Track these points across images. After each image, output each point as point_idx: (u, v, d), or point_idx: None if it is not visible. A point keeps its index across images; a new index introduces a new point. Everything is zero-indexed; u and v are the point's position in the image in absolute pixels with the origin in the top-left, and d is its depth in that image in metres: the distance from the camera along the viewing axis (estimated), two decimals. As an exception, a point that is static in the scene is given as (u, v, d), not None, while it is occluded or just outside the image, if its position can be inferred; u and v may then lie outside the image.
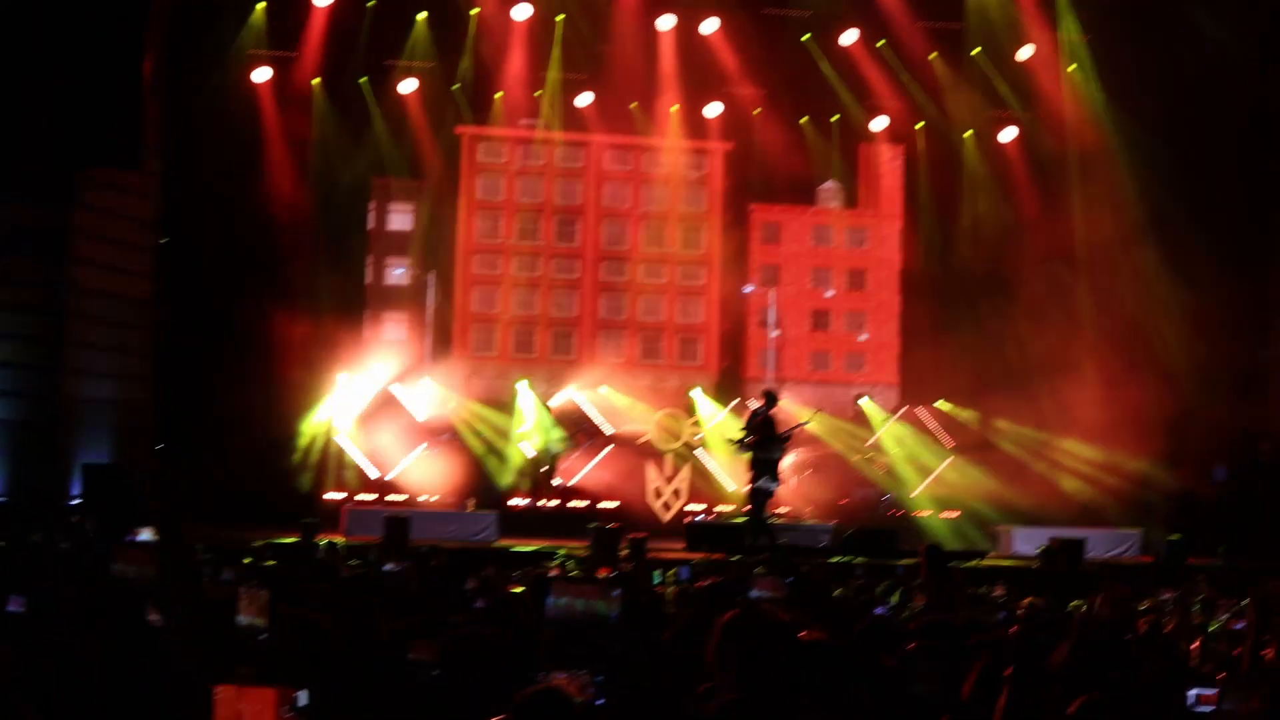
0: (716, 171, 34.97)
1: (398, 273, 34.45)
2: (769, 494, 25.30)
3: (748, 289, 35.12)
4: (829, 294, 36.00)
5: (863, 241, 35.85)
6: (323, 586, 12.35)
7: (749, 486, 25.41)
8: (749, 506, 25.41)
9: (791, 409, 28.39)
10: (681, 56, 32.00)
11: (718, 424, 30.32)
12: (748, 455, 25.24)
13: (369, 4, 30.39)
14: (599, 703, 7.04)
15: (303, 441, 29.25)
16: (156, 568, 8.81)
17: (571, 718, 6.02)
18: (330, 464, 29.43)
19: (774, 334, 34.07)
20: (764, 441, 25.34)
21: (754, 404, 26.70)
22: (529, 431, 29.94)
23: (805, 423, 26.95)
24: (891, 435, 31.70)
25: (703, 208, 35.17)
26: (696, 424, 30.72)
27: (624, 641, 7.57)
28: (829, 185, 35.57)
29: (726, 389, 32.23)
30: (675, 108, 32.97)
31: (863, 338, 35.81)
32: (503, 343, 34.24)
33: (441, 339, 33.27)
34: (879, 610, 13.32)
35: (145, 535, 16.64)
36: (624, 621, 7.97)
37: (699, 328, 35.13)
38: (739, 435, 25.65)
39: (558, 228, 34.92)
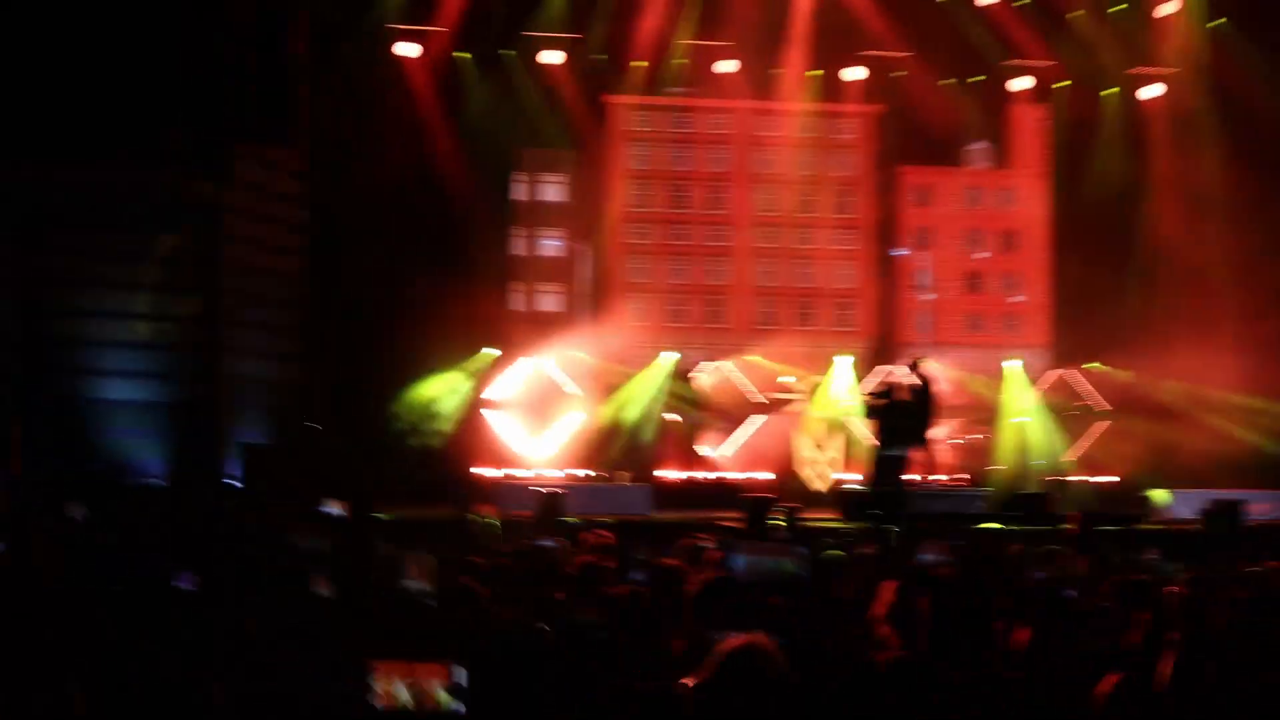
0: (865, 135, 34.77)
1: (549, 244, 34.55)
2: (897, 460, 25.09)
3: (899, 252, 34.88)
4: (981, 255, 35.62)
5: (1013, 201, 35.49)
6: (479, 562, 12.42)
7: (878, 454, 25.32)
8: (876, 473, 25.31)
9: (945, 373, 28.23)
10: (825, 20, 31.86)
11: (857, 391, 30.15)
12: (879, 421, 25.18)
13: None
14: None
15: (454, 416, 29.43)
16: (332, 539, 8.91)
17: (773, 674, 5.97)
18: (483, 439, 29.60)
19: (927, 297, 33.76)
20: (896, 408, 25.22)
21: (898, 370, 26.59)
22: (675, 402, 29.94)
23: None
24: (1041, 398, 31.38)
25: (853, 172, 35.04)
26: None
27: (809, 599, 7.54)
28: (978, 146, 35.26)
29: (881, 353, 31.98)
30: (819, 72, 32.80)
31: (1016, 299, 35.40)
32: (656, 311, 34.25)
33: (594, 309, 33.33)
34: (1039, 574, 13.22)
35: (332, 508, 16.76)
36: (811, 580, 7.93)
37: (853, 292, 35.00)
38: (869, 400, 25.61)
39: (708, 195, 34.80)
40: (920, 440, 25.41)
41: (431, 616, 8.01)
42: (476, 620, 8.28)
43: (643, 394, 30.34)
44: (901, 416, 25.34)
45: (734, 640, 6.48)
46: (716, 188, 34.81)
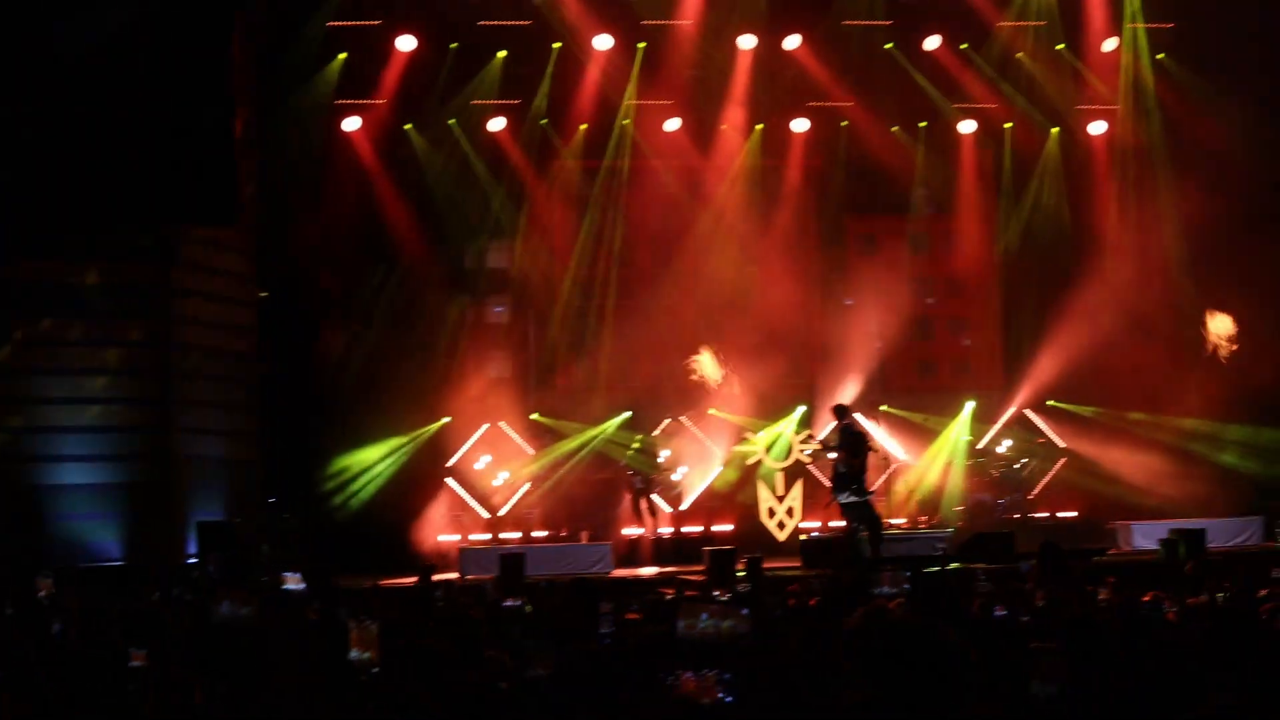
0: (808, 186, 34.86)
1: (497, 310, 34.52)
2: (855, 506, 25.24)
3: (848, 302, 35.00)
4: (929, 301, 35.73)
5: (960, 246, 35.59)
6: (441, 626, 12.44)
7: (838, 502, 25.49)
8: (845, 523, 25.49)
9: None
10: (765, 74, 32.08)
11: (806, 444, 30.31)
12: (835, 472, 25.41)
13: (451, 46, 30.67)
14: (728, 700, 7.06)
15: (412, 484, 29.42)
16: (257, 609, 8.91)
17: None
18: (442, 505, 29.56)
19: (877, 345, 33.84)
20: (844, 454, 25.45)
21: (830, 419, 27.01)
22: (632, 459, 29.95)
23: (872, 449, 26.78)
24: (1002, 438, 31.59)
25: (796, 224, 35.02)
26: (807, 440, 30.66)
27: (756, 655, 7.61)
28: (922, 192, 35.43)
29: (834, 402, 32.00)
30: (761, 126, 33.00)
31: (966, 342, 35.55)
32: (606, 372, 34.20)
33: (544, 373, 33.29)
34: (999, 611, 13.32)
35: (292, 584, 16.73)
36: (755, 637, 7.99)
37: (803, 343, 34.91)
38: (818, 448, 25.94)
39: (654, 254, 34.84)
40: (859, 485, 25.60)
41: (375, 685, 8.00)
42: (430, 684, 8.30)
43: (600, 451, 30.39)
44: (844, 462, 25.53)
45: (687, 682, 6.57)
46: (664, 247, 34.82)
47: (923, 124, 33.39)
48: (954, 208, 35.24)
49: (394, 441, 29.68)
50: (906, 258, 35.14)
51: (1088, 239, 32.32)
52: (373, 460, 29.50)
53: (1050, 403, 31.77)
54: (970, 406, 31.88)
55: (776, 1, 31.28)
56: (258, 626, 8.47)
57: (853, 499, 25.24)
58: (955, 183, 34.92)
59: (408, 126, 31.08)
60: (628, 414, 30.71)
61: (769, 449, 31.22)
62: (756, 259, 34.05)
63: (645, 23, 31.41)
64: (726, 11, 31.22)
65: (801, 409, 31.31)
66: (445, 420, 30.02)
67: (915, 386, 34.58)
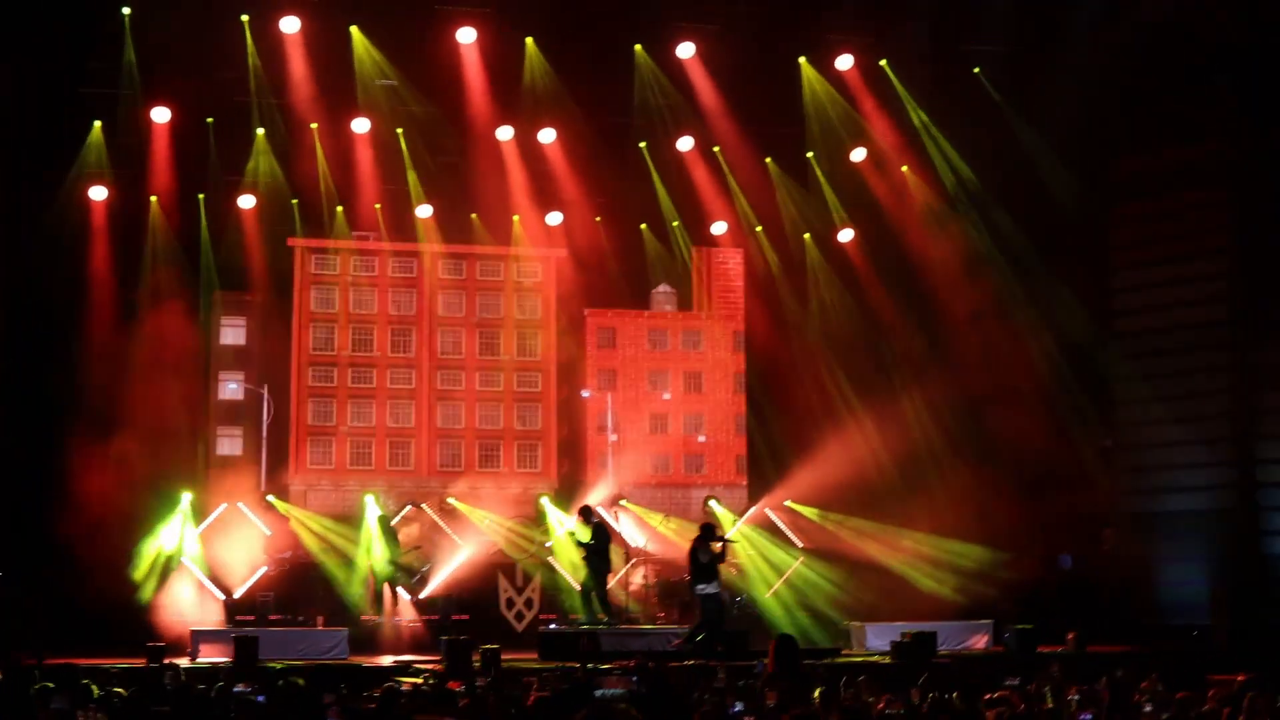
0: (551, 278, 35.08)
1: (231, 387, 34.03)
2: (713, 598, 25.10)
3: (585, 394, 35.18)
4: (666, 396, 36.09)
5: (699, 344, 36.07)
6: (170, 712, 12.17)
7: (697, 594, 25.29)
8: (702, 612, 25.25)
9: (644, 514, 28.74)
10: (520, 166, 32.14)
11: (566, 531, 30.27)
12: (695, 563, 25.24)
13: (209, 120, 30.16)
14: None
15: (144, 564, 28.70)
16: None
17: None
18: (175, 586, 28.89)
19: (612, 438, 34.09)
20: (697, 547, 25.35)
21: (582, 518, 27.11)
22: (376, 550, 29.58)
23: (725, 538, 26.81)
24: (741, 536, 31.85)
25: (538, 315, 35.21)
26: (545, 533, 30.67)
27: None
28: (662, 289, 35.82)
29: (566, 495, 32.10)
30: (516, 217, 33.08)
31: (701, 439, 35.91)
32: (339, 456, 33.92)
33: (278, 453, 32.86)
34: (735, 708, 13.41)
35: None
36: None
37: (537, 434, 35.07)
38: (582, 543, 26.05)
39: (392, 338, 34.72)
40: (712, 577, 25.48)
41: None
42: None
43: (337, 537, 29.95)
44: (709, 554, 25.38)
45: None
46: (402, 331, 34.72)
47: (675, 222, 33.75)
48: (695, 305, 35.71)
49: (142, 521, 28.92)
50: (645, 353, 35.45)
51: (843, 343, 32.95)
52: (124, 540, 28.72)
53: (787, 503, 32.13)
54: (714, 503, 32.13)
55: (535, 94, 31.36)
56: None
57: (712, 590, 25.13)
58: (699, 281, 35.41)
59: (153, 198, 30.47)
60: (371, 498, 30.31)
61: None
62: (497, 348, 34.15)
63: (401, 109, 31.23)
64: (486, 101, 31.23)
65: (544, 500, 31.25)
66: (185, 498, 29.37)
67: (647, 481, 34.83)
